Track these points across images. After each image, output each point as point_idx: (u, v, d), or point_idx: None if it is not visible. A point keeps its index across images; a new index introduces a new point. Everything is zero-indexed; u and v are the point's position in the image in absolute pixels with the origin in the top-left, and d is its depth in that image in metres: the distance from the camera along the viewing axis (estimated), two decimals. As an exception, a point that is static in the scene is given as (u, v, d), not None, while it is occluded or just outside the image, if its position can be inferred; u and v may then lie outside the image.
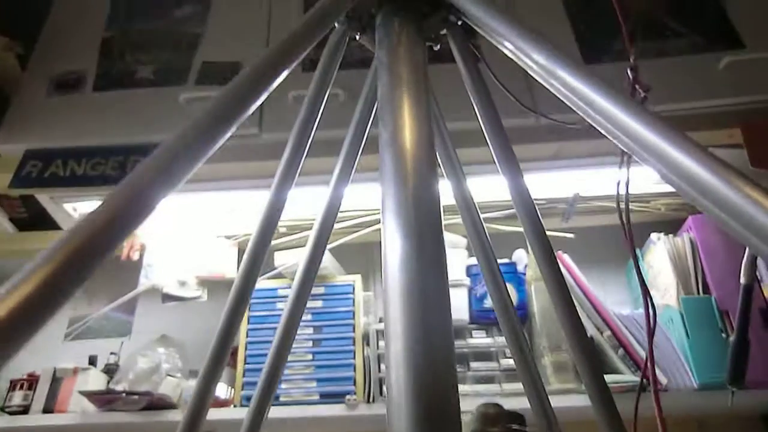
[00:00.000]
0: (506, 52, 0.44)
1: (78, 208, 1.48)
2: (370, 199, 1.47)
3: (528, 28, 0.41)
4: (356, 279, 1.53)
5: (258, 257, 0.61)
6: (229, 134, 0.39)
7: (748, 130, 1.25)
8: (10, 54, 1.40)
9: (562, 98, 0.41)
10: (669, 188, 1.41)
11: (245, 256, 0.61)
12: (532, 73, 0.43)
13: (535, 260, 0.63)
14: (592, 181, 1.44)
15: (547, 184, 1.45)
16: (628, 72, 0.50)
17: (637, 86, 0.53)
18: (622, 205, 0.75)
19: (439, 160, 0.67)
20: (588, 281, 1.44)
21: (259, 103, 0.40)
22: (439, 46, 0.53)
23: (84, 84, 1.43)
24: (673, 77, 1.30)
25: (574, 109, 0.40)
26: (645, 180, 1.43)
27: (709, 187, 0.31)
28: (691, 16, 1.41)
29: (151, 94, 1.41)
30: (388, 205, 0.38)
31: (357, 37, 0.53)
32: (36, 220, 1.52)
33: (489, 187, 1.37)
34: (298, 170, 0.60)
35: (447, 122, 0.69)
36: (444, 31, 0.52)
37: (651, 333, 0.73)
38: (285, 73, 0.44)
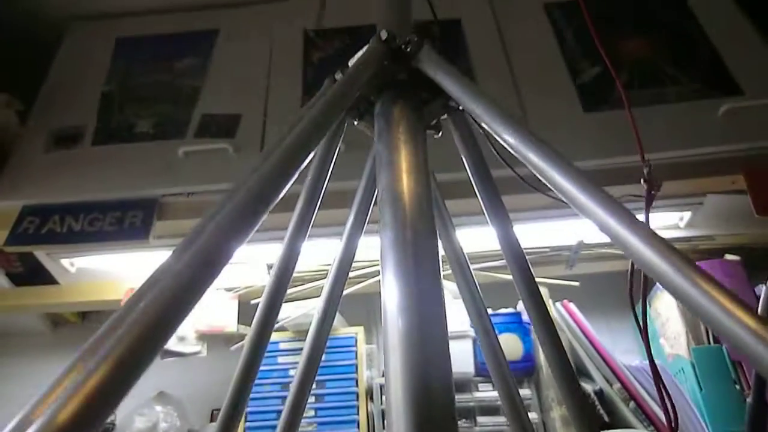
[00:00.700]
0: (498, 138, 0.44)
1: (75, 263, 1.46)
2: (373, 250, 1.45)
3: (520, 126, 0.41)
4: (358, 331, 1.50)
5: (272, 312, 0.60)
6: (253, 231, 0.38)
7: (752, 177, 1.24)
8: (10, 111, 1.40)
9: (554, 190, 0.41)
10: (674, 233, 1.39)
11: (258, 311, 0.59)
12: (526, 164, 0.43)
13: (526, 310, 0.61)
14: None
15: (551, 232, 1.43)
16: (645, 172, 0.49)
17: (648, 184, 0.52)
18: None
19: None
20: (595, 330, 1.41)
21: (265, 213, 0.39)
22: (440, 134, 0.52)
23: (83, 138, 1.42)
24: (672, 123, 1.30)
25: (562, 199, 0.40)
26: (651, 225, 1.41)
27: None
28: (688, 63, 1.42)
29: (150, 148, 1.40)
30: (388, 257, 0.37)
31: (356, 122, 0.52)
32: (32, 274, 1.50)
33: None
34: (311, 223, 0.59)
35: (435, 172, 0.68)
36: (444, 116, 0.51)
37: (663, 387, 0.71)
38: (295, 175, 0.43)
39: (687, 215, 1.39)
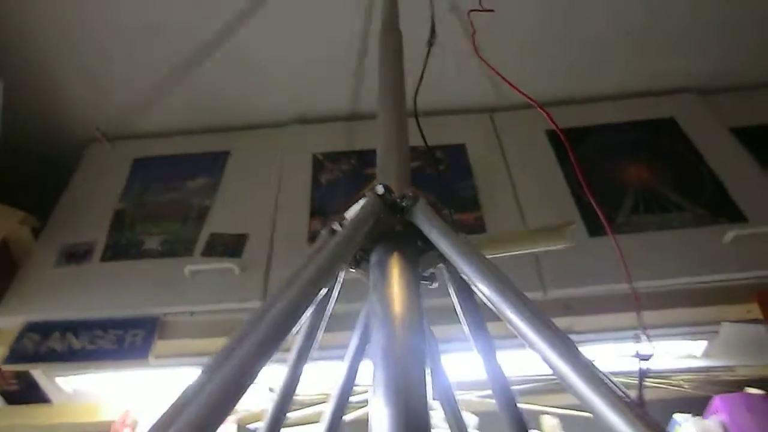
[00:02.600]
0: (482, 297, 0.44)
1: (71, 381, 1.43)
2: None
3: (508, 286, 0.41)
4: (360, 460, 1.42)
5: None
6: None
7: (766, 306, 1.21)
8: (25, 227, 1.43)
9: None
10: (690, 364, 1.34)
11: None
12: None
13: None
14: (608, 356, 1.38)
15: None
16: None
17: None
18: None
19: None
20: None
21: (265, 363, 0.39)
22: (436, 285, 0.51)
23: (92, 255, 1.44)
24: (679, 249, 1.30)
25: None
26: (664, 355, 1.36)
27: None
28: (692, 190, 1.44)
29: (156, 266, 1.41)
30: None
31: (352, 270, 0.51)
32: (28, 393, 1.46)
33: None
34: (314, 347, 0.57)
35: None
36: (440, 265, 0.51)
37: None
38: (294, 329, 0.43)
39: (703, 345, 1.35)
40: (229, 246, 1.43)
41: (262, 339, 0.39)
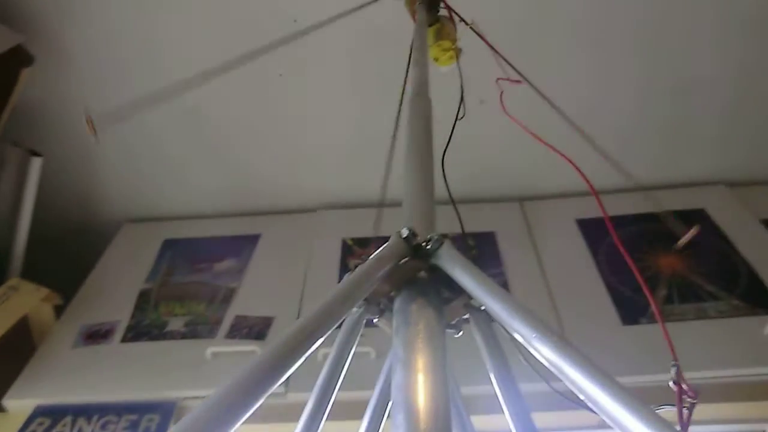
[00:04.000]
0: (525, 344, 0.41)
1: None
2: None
3: (550, 331, 0.38)
4: None
5: None
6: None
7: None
8: (48, 304, 1.44)
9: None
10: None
11: None
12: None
13: None
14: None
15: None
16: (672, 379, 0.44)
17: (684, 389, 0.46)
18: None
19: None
20: None
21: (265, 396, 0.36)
22: (461, 333, 0.49)
23: (113, 335, 1.42)
24: (714, 341, 1.24)
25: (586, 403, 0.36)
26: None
27: None
28: (727, 280, 1.40)
29: (178, 347, 1.38)
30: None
31: (375, 320, 0.49)
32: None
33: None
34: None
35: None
36: (466, 315, 0.49)
37: None
38: (300, 359, 0.41)
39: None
40: (254, 328, 1.40)
41: (257, 377, 0.37)
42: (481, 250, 1.56)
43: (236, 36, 1.49)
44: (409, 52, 0.86)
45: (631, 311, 1.32)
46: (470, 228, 1.62)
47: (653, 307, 0.88)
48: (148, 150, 1.70)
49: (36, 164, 1.52)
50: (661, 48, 1.53)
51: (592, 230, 1.58)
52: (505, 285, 1.45)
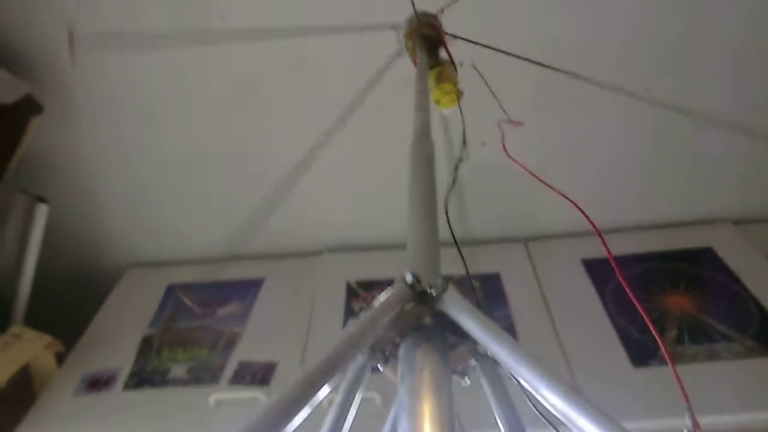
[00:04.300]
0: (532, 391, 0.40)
1: None
2: None
3: (557, 378, 0.37)
4: None
5: None
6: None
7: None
8: (49, 352, 1.42)
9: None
10: None
11: None
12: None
13: None
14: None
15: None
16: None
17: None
18: None
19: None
20: None
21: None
22: (468, 381, 0.48)
23: (115, 382, 1.40)
24: (729, 384, 1.21)
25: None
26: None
27: None
28: (738, 319, 1.37)
29: (180, 394, 1.36)
30: None
31: (380, 368, 0.48)
32: None
33: None
34: None
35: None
36: (472, 361, 0.48)
37: None
38: (302, 409, 0.40)
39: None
40: (258, 374, 1.38)
41: (263, 426, 0.36)
42: (487, 292, 1.55)
43: (233, 93, 1.53)
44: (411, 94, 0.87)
45: (641, 353, 1.30)
46: (475, 269, 1.63)
47: (663, 351, 0.86)
48: (150, 196, 1.71)
49: (42, 211, 1.53)
50: (666, 84, 1.53)
51: (598, 270, 1.56)
52: (511, 326, 1.43)
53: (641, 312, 0.83)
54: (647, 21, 1.44)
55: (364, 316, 0.43)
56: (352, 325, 0.43)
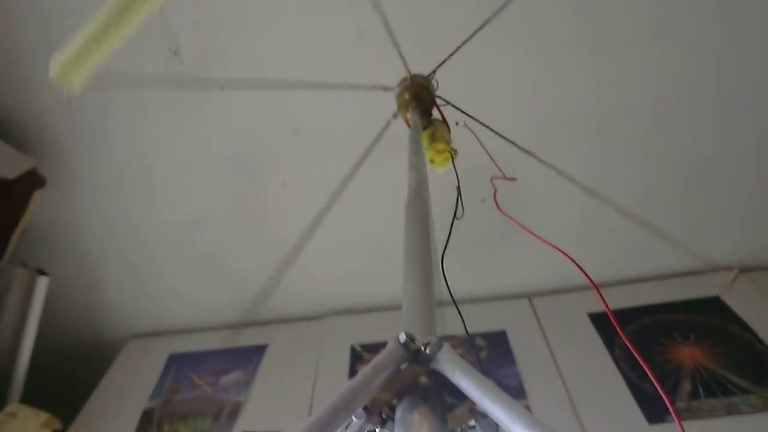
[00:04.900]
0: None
1: None
2: None
3: None
4: None
5: None
6: None
7: None
8: (47, 430, 1.38)
9: None
10: None
11: None
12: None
13: None
14: None
15: None
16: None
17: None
18: None
19: None
20: None
21: None
22: (467, 447, 0.46)
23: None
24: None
25: None
26: None
27: None
28: (753, 370, 1.33)
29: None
30: None
31: (377, 431, 0.47)
32: None
33: None
34: None
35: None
36: (472, 422, 0.46)
37: None
38: None
39: None
40: (260, 445, 1.34)
41: None
42: (493, 350, 1.52)
43: (233, 158, 1.55)
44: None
45: (655, 408, 1.26)
46: (480, 327, 1.61)
47: (671, 411, 0.83)
48: (150, 264, 1.71)
49: (42, 284, 1.53)
50: (672, 129, 1.51)
51: (605, 324, 1.54)
52: (520, 386, 1.39)
53: (645, 368, 0.81)
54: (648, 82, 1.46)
55: (357, 377, 0.42)
56: (345, 386, 0.41)
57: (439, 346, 0.45)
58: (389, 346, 0.46)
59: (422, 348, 0.46)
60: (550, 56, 1.38)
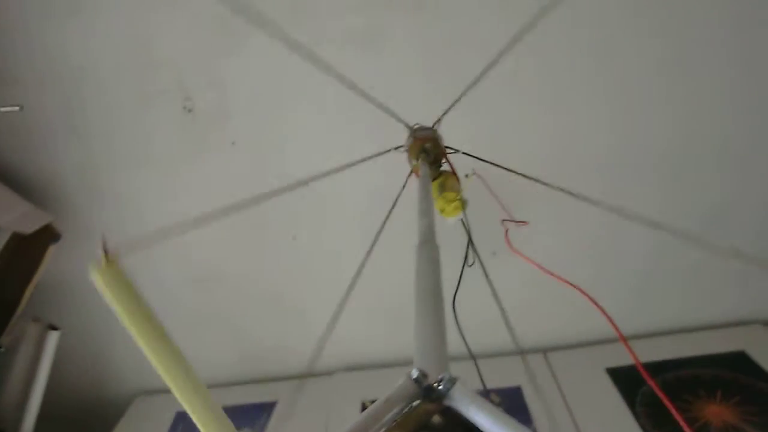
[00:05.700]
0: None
1: None
2: None
3: None
4: None
5: None
6: None
7: None
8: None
9: None
10: None
11: None
12: None
13: None
14: None
15: None
16: None
17: None
18: None
19: None
20: None
21: None
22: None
23: None
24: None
25: None
26: None
27: None
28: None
29: None
30: None
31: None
32: None
33: None
34: None
35: None
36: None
37: None
38: None
39: None
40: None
41: None
42: (508, 407, 1.47)
43: (245, 214, 1.56)
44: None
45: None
46: (494, 383, 1.56)
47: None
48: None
49: (53, 338, 1.51)
50: (682, 177, 1.50)
51: (625, 379, 1.49)
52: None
53: (682, 423, 0.76)
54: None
55: (368, 410, 0.41)
56: (357, 420, 0.40)
57: (453, 383, 0.44)
58: (400, 382, 0.44)
59: (435, 384, 0.44)
60: (564, 96, 1.40)
